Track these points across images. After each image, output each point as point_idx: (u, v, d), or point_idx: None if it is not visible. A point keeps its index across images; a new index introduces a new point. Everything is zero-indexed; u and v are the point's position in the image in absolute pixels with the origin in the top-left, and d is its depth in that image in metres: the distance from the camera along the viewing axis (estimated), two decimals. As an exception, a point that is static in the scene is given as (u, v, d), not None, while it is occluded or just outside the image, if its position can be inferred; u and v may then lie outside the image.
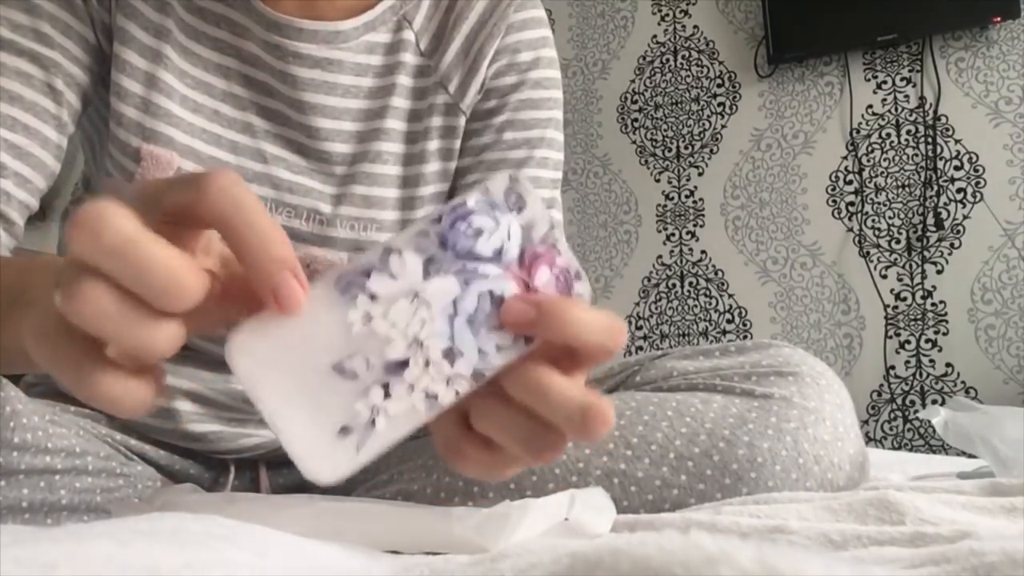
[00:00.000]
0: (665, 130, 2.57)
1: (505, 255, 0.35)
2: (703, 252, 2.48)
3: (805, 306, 2.32)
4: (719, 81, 2.51)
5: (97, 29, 0.63)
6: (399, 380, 0.33)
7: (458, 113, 0.71)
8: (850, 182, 2.30)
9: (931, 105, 2.22)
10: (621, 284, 2.57)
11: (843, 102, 2.33)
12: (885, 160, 2.27)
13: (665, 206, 2.54)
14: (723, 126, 2.49)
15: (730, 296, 2.43)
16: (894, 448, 2.16)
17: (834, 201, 2.32)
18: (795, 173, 2.37)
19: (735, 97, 2.48)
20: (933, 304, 2.18)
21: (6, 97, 0.59)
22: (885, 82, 2.29)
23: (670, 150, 2.56)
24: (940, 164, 2.20)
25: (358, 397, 0.32)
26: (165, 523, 0.30)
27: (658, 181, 2.56)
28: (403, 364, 0.33)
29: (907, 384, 2.18)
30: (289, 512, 0.38)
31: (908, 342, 2.19)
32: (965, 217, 2.16)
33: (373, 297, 0.33)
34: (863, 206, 2.27)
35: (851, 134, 2.31)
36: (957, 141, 2.19)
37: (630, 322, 2.54)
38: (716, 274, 2.45)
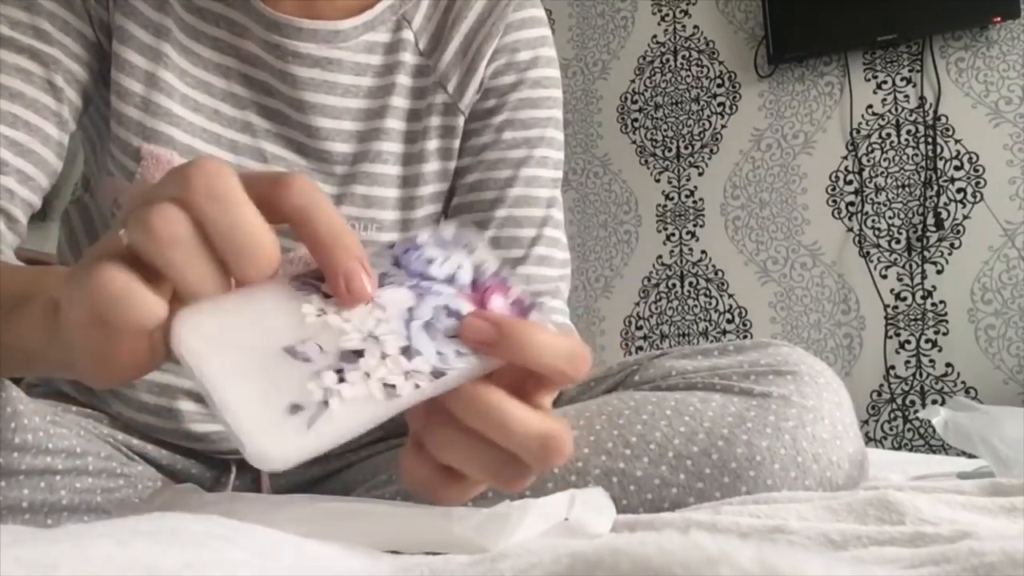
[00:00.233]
0: (665, 130, 2.57)
1: (457, 281, 0.35)
2: (703, 252, 2.48)
3: (805, 306, 2.32)
4: (719, 81, 2.51)
5: (96, 26, 0.63)
6: (354, 367, 0.32)
7: (457, 113, 0.71)
8: (850, 182, 2.30)
9: (931, 105, 2.22)
10: (621, 284, 2.57)
11: (843, 102, 2.33)
12: (885, 160, 2.27)
13: (665, 206, 2.54)
14: (723, 126, 2.49)
15: (730, 296, 2.43)
16: (894, 448, 2.16)
17: (834, 201, 2.32)
18: (795, 173, 2.37)
19: (735, 97, 2.48)
20: (933, 304, 2.18)
21: (6, 94, 0.58)
22: (885, 82, 2.29)
23: (670, 150, 2.56)
24: (940, 164, 2.20)
25: (311, 379, 0.31)
26: (165, 523, 0.30)
27: (658, 181, 2.56)
28: (358, 353, 0.32)
29: (907, 384, 2.18)
30: (289, 512, 0.38)
31: (908, 342, 2.19)
32: (965, 217, 2.16)
33: (327, 297, 0.33)
34: (863, 206, 2.27)
35: (851, 134, 2.31)
36: (957, 141, 2.19)
37: (630, 322, 2.55)
38: (716, 274, 2.45)
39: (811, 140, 2.36)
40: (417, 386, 0.32)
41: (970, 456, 0.86)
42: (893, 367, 2.20)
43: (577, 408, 0.59)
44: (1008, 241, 2.12)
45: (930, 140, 2.21)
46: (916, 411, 2.15)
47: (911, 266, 2.21)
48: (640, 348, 2.53)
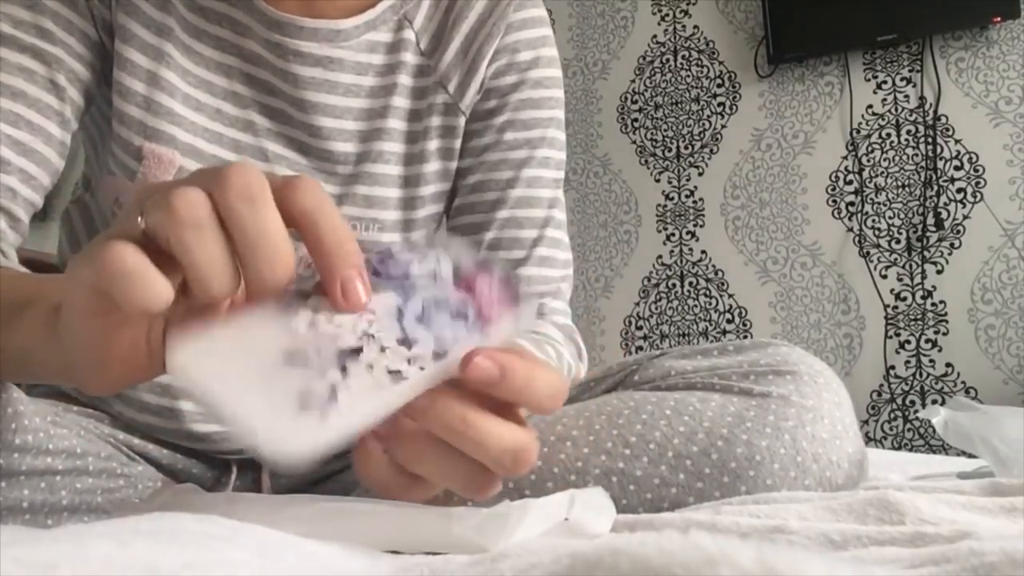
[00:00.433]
0: (665, 130, 2.57)
1: (439, 276, 0.35)
2: (703, 252, 2.48)
3: (805, 306, 2.32)
4: (719, 81, 2.51)
5: (98, 25, 0.63)
6: (355, 362, 0.32)
7: (457, 113, 0.71)
8: (850, 182, 2.30)
9: (931, 105, 2.22)
10: (621, 284, 2.58)
11: (843, 102, 2.33)
12: (885, 160, 2.27)
13: (665, 206, 2.54)
14: (723, 126, 2.49)
15: (730, 296, 2.43)
16: (894, 448, 2.16)
17: (834, 201, 2.32)
18: (795, 173, 2.37)
19: (735, 97, 2.48)
20: (933, 304, 2.18)
21: (8, 93, 0.58)
22: (885, 82, 2.29)
23: (670, 150, 2.56)
24: (940, 164, 2.20)
25: (314, 379, 0.32)
26: (165, 523, 0.30)
27: (658, 181, 2.56)
28: (356, 351, 0.33)
29: (907, 384, 2.18)
30: (289, 512, 0.38)
31: (908, 342, 2.19)
32: (965, 217, 2.16)
33: (316, 310, 0.33)
34: (863, 206, 2.27)
35: (851, 134, 2.31)
36: (957, 141, 2.19)
37: (630, 322, 2.55)
38: (716, 274, 2.45)
39: (811, 140, 2.36)
40: (422, 369, 0.33)
41: (970, 456, 0.86)
42: (893, 367, 2.20)
43: (577, 408, 0.59)
44: (1008, 241, 2.12)
45: (930, 140, 2.21)
46: (916, 411, 2.15)
47: (911, 266, 2.21)
48: (640, 348, 2.53)
